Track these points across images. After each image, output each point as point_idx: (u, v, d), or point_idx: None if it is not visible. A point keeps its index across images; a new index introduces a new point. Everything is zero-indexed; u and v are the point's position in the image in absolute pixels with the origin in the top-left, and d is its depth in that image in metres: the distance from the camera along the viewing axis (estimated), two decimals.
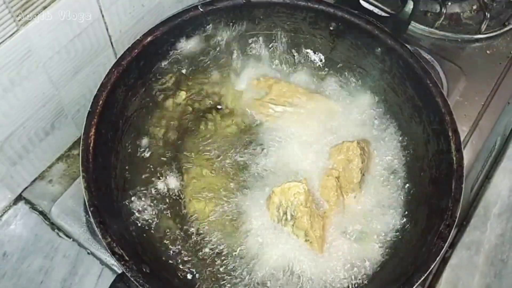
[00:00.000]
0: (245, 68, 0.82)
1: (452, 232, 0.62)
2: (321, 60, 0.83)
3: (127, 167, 0.71)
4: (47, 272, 0.75)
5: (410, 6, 0.76)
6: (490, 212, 0.86)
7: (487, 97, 0.91)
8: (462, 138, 0.84)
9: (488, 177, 0.91)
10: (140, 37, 0.70)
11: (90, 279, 0.75)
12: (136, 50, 0.69)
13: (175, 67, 0.78)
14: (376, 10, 0.92)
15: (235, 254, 0.68)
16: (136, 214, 0.69)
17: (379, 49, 0.75)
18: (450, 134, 0.67)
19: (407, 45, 0.74)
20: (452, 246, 0.82)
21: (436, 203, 0.66)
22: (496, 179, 0.89)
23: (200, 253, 0.68)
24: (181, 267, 0.67)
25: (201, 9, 0.74)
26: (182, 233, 0.70)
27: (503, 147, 0.94)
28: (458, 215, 0.63)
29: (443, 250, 0.60)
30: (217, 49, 0.80)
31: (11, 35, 0.61)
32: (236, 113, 0.80)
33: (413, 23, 0.96)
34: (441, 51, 0.95)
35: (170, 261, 0.68)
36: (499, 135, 0.94)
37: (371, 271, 0.66)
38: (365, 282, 0.65)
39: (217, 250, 0.68)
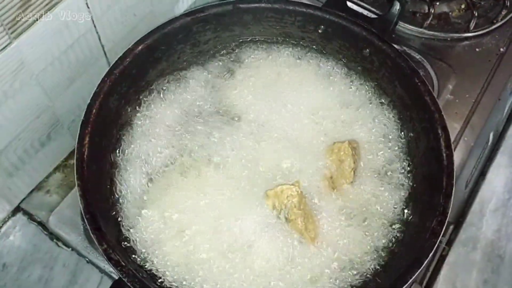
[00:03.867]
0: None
1: (445, 228, 0.63)
2: None
3: (121, 175, 0.71)
4: (47, 282, 0.75)
5: (396, 7, 0.77)
6: (486, 208, 0.86)
7: (477, 95, 0.92)
8: (454, 136, 0.86)
9: (482, 173, 0.91)
10: (131, 45, 0.71)
11: None
12: (127, 59, 0.70)
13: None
14: (365, 12, 0.93)
15: (228, 251, 0.67)
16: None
17: (367, 50, 0.76)
18: (439, 131, 0.68)
19: (395, 45, 0.75)
20: (449, 243, 0.82)
21: (428, 199, 0.67)
22: (491, 175, 0.89)
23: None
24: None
25: (191, 16, 0.75)
26: None
27: (496, 143, 0.94)
28: (450, 211, 0.63)
29: (435, 246, 0.61)
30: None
31: (4, 48, 0.61)
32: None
33: (402, 24, 0.97)
34: (431, 51, 0.96)
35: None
36: (492, 131, 0.95)
37: (364, 268, 0.66)
38: (359, 279, 0.66)
39: (210, 253, 0.67)
